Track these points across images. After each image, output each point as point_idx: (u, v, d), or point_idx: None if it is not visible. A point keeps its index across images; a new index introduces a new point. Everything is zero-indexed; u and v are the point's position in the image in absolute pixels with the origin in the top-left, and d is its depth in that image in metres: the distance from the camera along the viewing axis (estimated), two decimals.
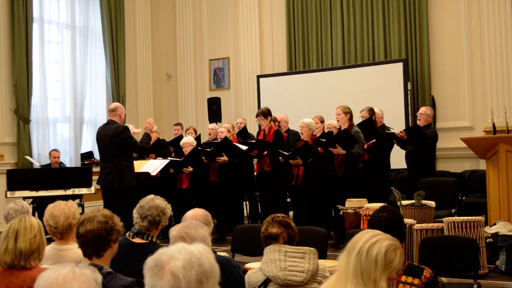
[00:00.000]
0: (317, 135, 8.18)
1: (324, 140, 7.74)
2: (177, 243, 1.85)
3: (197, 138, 9.51)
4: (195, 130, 9.94)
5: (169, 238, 3.11)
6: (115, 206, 6.78)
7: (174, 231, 3.06)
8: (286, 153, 7.98)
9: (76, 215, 3.72)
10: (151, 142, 8.84)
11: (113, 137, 7.09)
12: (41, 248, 3.17)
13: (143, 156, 8.66)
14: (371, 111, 8.23)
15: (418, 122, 8.33)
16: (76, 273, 1.82)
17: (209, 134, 9.54)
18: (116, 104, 7.52)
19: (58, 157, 9.73)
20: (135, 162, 8.20)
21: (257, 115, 8.52)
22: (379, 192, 7.96)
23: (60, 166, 9.83)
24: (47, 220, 3.72)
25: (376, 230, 2.41)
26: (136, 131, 7.70)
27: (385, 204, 3.55)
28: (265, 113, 8.43)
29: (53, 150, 9.85)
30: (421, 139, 7.99)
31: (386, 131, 8.29)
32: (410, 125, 9.55)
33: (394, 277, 2.35)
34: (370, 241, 2.32)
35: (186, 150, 8.67)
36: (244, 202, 9.56)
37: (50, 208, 3.77)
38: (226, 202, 8.84)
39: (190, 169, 8.54)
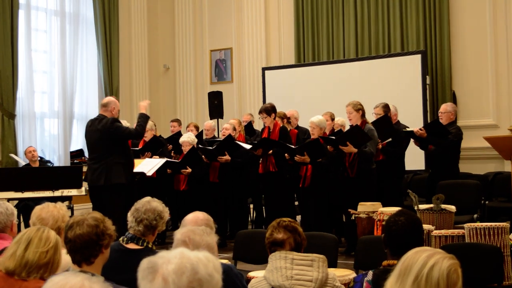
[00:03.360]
0: (327, 134, 8.15)
1: (334, 137, 7.73)
2: (179, 247, 1.87)
3: (199, 136, 9.49)
4: (196, 127, 9.88)
5: (172, 241, 3.11)
6: (104, 206, 6.83)
7: (178, 234, 3.06)
8: (292, 146, 7.95)
9: (65, 218, 3.73)
10: (147, 139, 8.85)
11: (102, 131, 7.16)
12: (50, 266, 3.09)
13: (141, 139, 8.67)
14: (386, 107, 8.20)
15: (440, 121, 8.27)
16: (84, 286, 1.82)
17: (206, 135, 9.52)
18: (108, 98, 7.58)
19: (34, 151, 9.59)
20: None
21: (260, 112, 8.47)
22: (393, 195, 7.95)
23: (45, 164, 9.83)
24: (34, 223, 3.72)
25: (428, 248, 2.31)
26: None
27: (402, 208, 3.54)
28: (269, 110, 8.37)
29: (27, 147, 9.72)
30: (442, 136, 7.96)
31: (403, 130, 8.27)
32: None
33: None
34: (428, 264, 2.19)
35: (185, 149, 8.67)
36: (248, 206, 9.56)
37: (38, 210, 3.77)
38: (228, 205, 8.84)
39: (189, 170, 8.54)
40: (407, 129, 8.31)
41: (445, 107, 8.38)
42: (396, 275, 2.25)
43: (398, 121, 8.59)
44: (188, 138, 8.77)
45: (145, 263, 1.80)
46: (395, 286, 2.23)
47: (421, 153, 9.06)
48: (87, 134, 7.46)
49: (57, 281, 1.84)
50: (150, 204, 3.79)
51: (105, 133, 7.17)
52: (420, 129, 8.03)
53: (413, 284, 2.18)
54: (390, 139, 8.08)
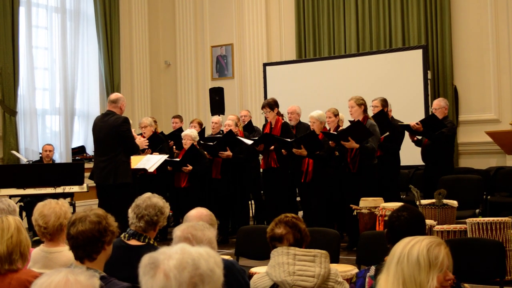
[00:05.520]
0: (331, 131, 8.12)
1: (335, 132, 7.73)
2: (181, 244, 1.86)
3: (201, 132, 9.48)
4: (199, 124, 9.85)
5: (173, 238, 3.10)
6: (111, 205, 6.79)
7: (178, 231, 3.05)
8: (288, 139, 7.95)
9: (67, 215, 3.72)
10: (146, 135, 8.85)
11: (112, 128, 7.10)
12: (21, 248, 3.15)
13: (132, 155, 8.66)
14: (384, 101, 8.23)
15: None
16: (69, 281, 1.81)
17: (213, 128, 9.51)
18: (117, 94, 7.54)
19: (51, 151, 9.73)
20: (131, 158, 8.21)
21: (263, 107, 8.51)
22: (391, 190, 7.95)
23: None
24: (36, 219, 3.72)
25: (413, 236, 2.36)
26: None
27: (405, 203, 3.53)
28: (271, 105, 8.41)
29: (46, 144, 9.91)
30: (439, 129, 7.98)
31: (399, 123, 8.28)
32: None
33: (451, 277, 2.28)
34: (408, 245, 2.26)
35: (186, 143, 8.67)
36: (250, 202, 9.56)
37: (40, 206, 3.77)
38: (230, 201, 8.84)
39: (190, 167, 8.54)
40: (403, 123, 8.32)
41: (438, 103, 8.37)
42: (384, 267, 2.31)
43: (392, 116, 8.57)
44: (191, 133, 8.79)
45: (146, 259, 1.80)
46: (384, 276, 2.27)
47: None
48: (95, 128, 7.36)
49: (41, 282, 1.82)
50: (150, 200, 3.79)
51: (114, 130, 7.12)
52: (417, 123, 8.03)
53: (396, 266, 2.23)
54: (387, 133, 8.07)
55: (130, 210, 3.77)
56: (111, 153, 7.15)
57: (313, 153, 7.83)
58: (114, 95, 7.47)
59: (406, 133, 8.35)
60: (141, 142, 7.66)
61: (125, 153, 7.29)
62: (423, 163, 8.56)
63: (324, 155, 7.85)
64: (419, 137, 8.29)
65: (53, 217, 3.69)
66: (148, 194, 3.85)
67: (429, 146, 8.16)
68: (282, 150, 8.11)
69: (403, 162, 8.50)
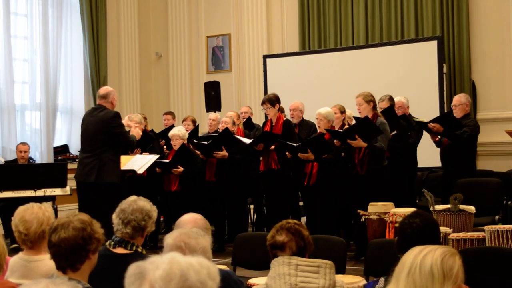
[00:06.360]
0: (336, 129, 8.12)
1: (341, 130, 7.72)
2: (171, 253, 1.87)
3: (194, 131, 9.45)
4: (193, 121, 9.84)
5: (164, 246, 3.09)
6: (95, 207, 6.78)
7: (170, 238, 3.04)
8: (294, 144, 7.94)
9: (51, 221, 3.71)
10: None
11: (101, 123, 7.12)
12: None
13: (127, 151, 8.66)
14: (391, 99, 8.24)
15: (454, 114, 8.25)
16: None
17: (210, 126, 9.50)
18: (107, 88, 7.58)
19: (26, 152, 9.71)
20: None
21: (263, 103, 8.48)
22: (404, 194, 7.93)
23: (29, 162, 9.83)
24: (16, 225, 3.71)
25: (424, 246, 2.36)
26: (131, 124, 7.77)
27: (417, 209, 3.53)
28: (272, 100, 8.38)
29: (20, 143, 9.86)
30: (457, 129, 7.96)
31: (415, 119, 8.26)
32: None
33: None
34: (420, 255, 2.25)
35: (175, 143, 8.64)
36: (248, 206, 9.55)
37: (21, 211, 3.76)
38: (226, 206, 8.83)
39: (181, 169, 8.51)
40: (419, 119, 8.28)
41: (458, 99, 8.33)
42: (393, 278, 2.30)
43: (410, 114, 8.56)
44: (179, 132, 8.72)
45: (133, 268, 1.81)
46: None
47: (437, 148, 9.05)
48: (84, 124, 7.41)
49: None
50: (136, 203, 3.78)
51: (104, 126, 7.15)
52: (434, 125, 7.99)
53: (407, 278, 2.23)
54: (395, 132, 8.04)
55: (114, 216, 3.76)
56: (96, 150, 7.18)
57: (320, 157, 7.82)
58: (103, 90, 7.51)
59: (425, 132, 8.31)
60: (137, 132, 7.70)
61: (116, 150, 7.30)
62: (437, 165, 8.55)
63: (333, 159, 7.83)
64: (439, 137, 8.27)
65: (35, 223, 3.68)
66: (133, 198, 3.84)
67: (449, 147, 8.12)
68: (287, 153, 8.10)
69: None
